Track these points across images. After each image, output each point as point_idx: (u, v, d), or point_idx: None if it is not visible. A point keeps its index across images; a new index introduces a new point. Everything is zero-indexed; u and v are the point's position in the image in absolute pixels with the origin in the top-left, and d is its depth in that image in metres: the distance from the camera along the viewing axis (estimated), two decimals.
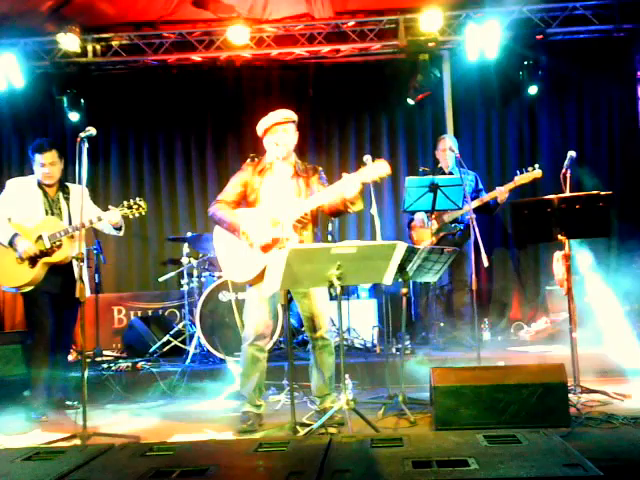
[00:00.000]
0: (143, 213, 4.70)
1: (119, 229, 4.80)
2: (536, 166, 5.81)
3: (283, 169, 4.11)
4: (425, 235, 5.93)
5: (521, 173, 5.81)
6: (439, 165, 6.27)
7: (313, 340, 4.10)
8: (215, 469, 2.54)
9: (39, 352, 4.65)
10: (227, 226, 4.04)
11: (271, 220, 3.97)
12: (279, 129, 4.07)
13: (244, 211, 4.10)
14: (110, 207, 4.66)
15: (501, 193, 5.81)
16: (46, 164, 4.72)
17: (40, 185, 4.78)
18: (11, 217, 4.67)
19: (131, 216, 4.67)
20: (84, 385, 3.72)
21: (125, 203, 4.66)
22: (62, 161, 4.86)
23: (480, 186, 6.16)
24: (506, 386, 3.65)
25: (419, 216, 5.98)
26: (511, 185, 5.85)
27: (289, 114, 4.13)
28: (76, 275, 4.18)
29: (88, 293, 5.02)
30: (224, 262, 4.13)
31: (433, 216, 5.87)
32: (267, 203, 4.05)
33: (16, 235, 4.57)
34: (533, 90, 6.94)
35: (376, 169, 3.79)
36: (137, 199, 4.69)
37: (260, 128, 4.15)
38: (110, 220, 4.62)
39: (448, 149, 6.02)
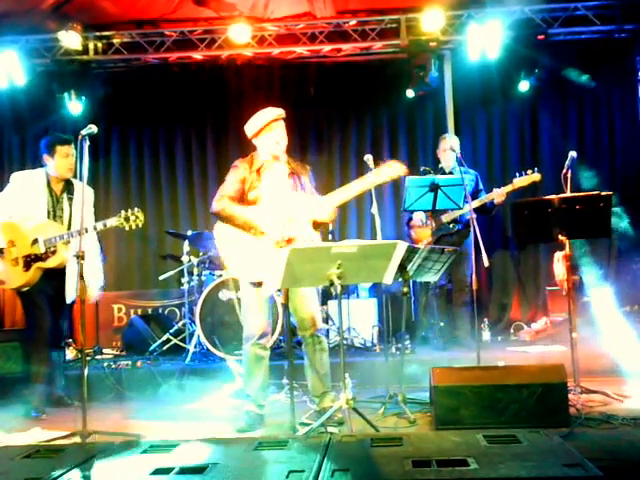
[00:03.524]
0: (140, 225, 4.52)
1: None
2: (535, 169, 5.81)
3: (279, 168, 4.10)
4: (424, 234, 5.95)
5: (520, 176, 5.81)
6: (440, 165, 6.26)
7: (307, 338, 4.08)
8: (214, 467, 2.54)
9: (38, 350, 4.66)
10: (241, 224, 3.93)
11: (288, 218, 3.93)
12: (275, 126, 4.04)
13: (255, 209, 3.99)
14: (107, 221, 4.50)
15: (499, 195, 5.80)
16: (70, 155, 4.71)
17: (48, 182, 4.72)
18: (12, 214, 4.65)
19: (127, 228, 4.49)
20: (84, 383, 3.71)
21: (123, 214, 4.48)
22: None
23: (480, 186, 6.15)
24: (506, 386, 3.65)
25: (418, 215, 5.97)
26: (509, 188, 5.84)
27: (280, 111, 4.08)
28: (74, 274, 4.14)
29: (96, 291, 4.94)
30: (235, 260, 4.01)
31: (431, 215, 5.89)
32: (272, 201, 4.00)
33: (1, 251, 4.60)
34: (524, 86, 6.94)
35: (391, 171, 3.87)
36: (135, 210, 4.51)
37: (253, 128, 4.08)
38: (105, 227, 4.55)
39: (449, 149, 6.02)
